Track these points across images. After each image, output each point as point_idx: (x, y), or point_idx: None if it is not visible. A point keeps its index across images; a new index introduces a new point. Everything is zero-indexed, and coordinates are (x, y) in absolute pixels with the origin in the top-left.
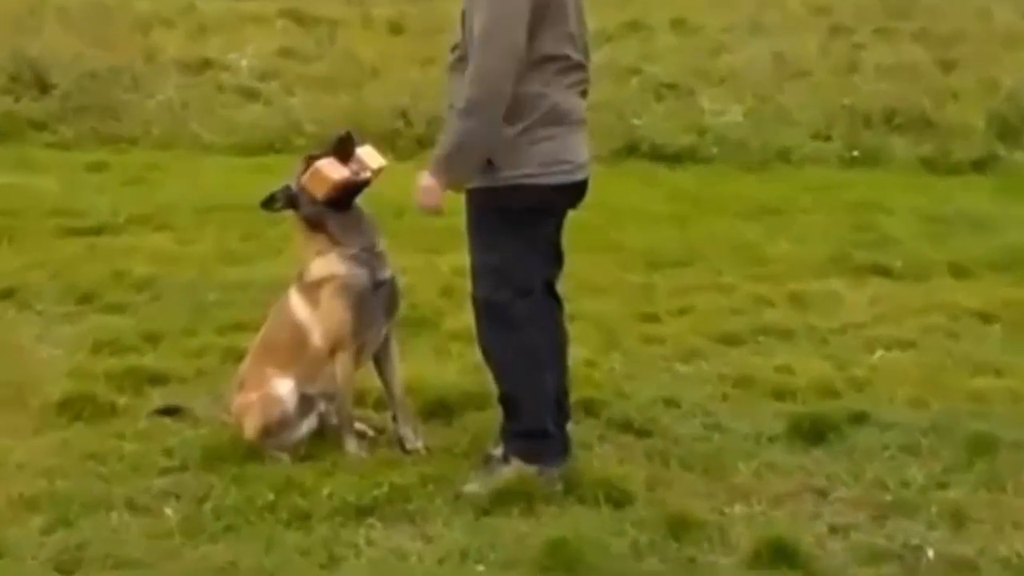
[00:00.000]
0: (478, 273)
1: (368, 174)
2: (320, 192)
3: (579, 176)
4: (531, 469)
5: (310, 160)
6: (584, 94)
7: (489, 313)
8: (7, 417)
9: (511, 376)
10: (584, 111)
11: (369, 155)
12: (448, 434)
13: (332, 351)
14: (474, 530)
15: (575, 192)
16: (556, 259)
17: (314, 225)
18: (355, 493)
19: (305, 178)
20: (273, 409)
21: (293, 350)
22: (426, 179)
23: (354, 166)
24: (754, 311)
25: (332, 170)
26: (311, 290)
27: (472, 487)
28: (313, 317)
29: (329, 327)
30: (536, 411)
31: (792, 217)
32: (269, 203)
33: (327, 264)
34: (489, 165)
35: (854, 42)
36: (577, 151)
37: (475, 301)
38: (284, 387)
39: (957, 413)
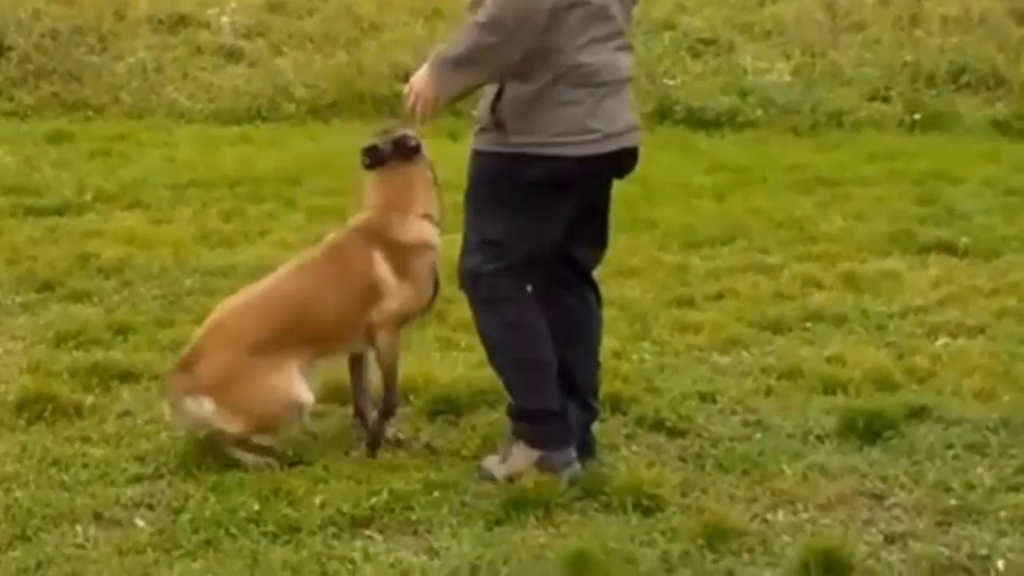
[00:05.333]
0: (470, 244)
1: None
2: None
3: (609, 147)
4: (535, 454)
5: None
6: (622, 49)
7: (475, 286)
8: None
9: (503, 353)
10: (626, 69)
11: None
12: (455, 435)
13: (386, 325)
14: (485, 542)
15: (612, 162)
16: (595, 242)
17: (428, 182)
18: (351, 502)
19: None
20: (291, 408)
21: (344, 315)
22: (423, 80)
23: None
24: (802, 295)
25: None
26: (404, 254)
27: (490, 462)
28: (399, 284)
29: (414, 299)
30: (536, 389)
31: (846, 189)
32: (375, 153)
33: (425, 231)
34: (500, 127)
35: None
36: (611, 118)
37: (462, 274)
38: (300, 375)
39: None
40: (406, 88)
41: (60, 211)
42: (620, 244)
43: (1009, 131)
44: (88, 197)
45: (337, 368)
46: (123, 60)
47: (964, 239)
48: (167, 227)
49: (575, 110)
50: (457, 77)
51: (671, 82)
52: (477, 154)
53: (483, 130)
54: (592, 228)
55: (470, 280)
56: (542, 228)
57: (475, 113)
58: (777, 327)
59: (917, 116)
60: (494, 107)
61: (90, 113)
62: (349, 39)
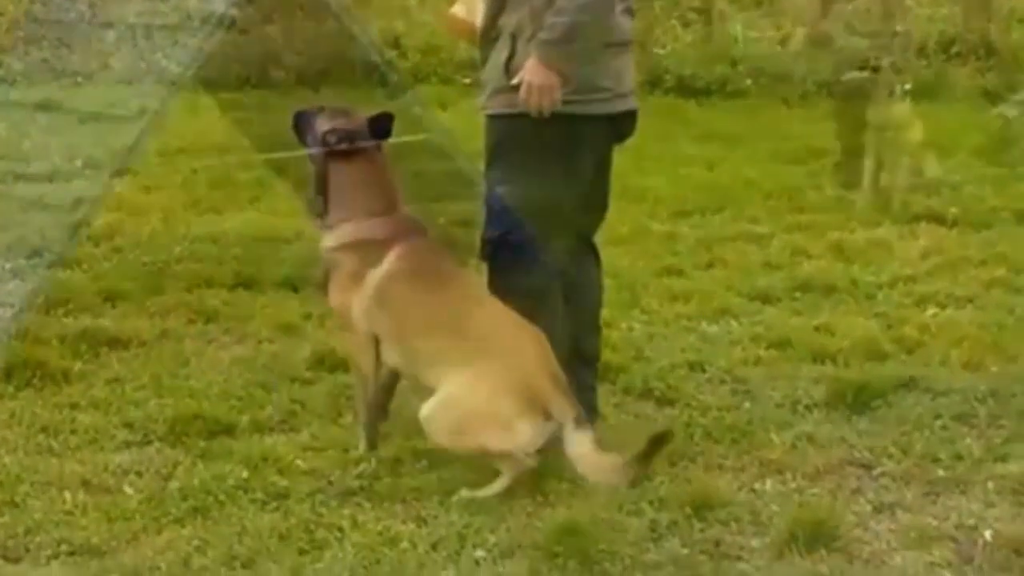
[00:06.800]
0: (492, 212)
1: None
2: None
3: (619, 106)
4: None
5: None
6: (627, 12)
7: (496, 255)
8: None
9: None
10: (630, 32)
11: None
12: None
13: None
14: (473, 510)
15: (616, 124)
16: (596, 204)
17: None
18: (339, 469)
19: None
20: None
21: None
22: (536, 72)
23: None
24: (792, 264)
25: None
26: None
27: None
28: None
29: None
30: None
31: (836, 158)
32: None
33: None
34: (514, 87)
35: None
36: (619, 77)
37: (483, 243)
38: None
39: (1019, 378)
40: (521, 91)
41: (50, 178)
42: (609, 212)
43: (999, 101)
44: (78, 164)
45: (325, 337)
46: (113, 27)
47: (954, 209)
48: (156, 194)
49: (588, 68)
50: (573, 48)
51: (661, 51)
52: (494, 119)
53: (497, 92)
54: (595, 192)
55: (492, 248)
56: (562, 191)
57: (482, 77)
58: (766, 297)
59: (908, 86)
60: (507, 68)
61: (80, 79)
62: (339, 7)
